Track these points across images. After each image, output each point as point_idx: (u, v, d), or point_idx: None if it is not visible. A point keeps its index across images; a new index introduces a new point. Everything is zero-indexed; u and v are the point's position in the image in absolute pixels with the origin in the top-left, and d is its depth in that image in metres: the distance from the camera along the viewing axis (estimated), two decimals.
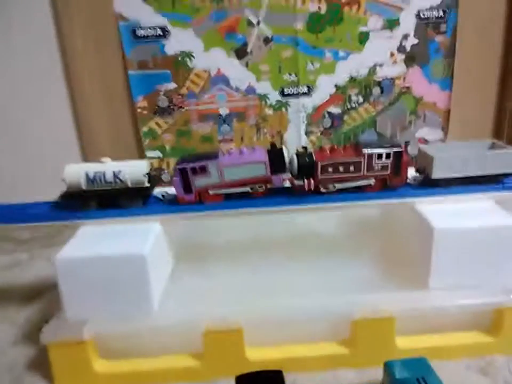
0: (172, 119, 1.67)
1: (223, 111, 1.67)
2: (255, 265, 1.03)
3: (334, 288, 0.92)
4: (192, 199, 0.96)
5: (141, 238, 0.88)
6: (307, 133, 1.73)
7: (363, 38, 1.61)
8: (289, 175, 0.96)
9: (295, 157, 0.93)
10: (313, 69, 1.64)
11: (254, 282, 0.97)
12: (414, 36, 1.61)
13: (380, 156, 0.92)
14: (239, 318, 0.84)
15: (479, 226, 0.85)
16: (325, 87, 1.67)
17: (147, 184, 0.96)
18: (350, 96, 1.69)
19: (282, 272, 1.00)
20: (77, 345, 0.84)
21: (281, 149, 0.95)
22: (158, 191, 1.04)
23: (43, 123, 1.65)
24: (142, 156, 1.70)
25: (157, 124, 1.67)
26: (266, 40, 1.60)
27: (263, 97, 1.66)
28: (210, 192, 0.94)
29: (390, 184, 0.96)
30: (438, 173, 0.95)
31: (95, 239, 0.91)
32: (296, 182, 0.94)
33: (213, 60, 1.60)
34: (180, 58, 1.59)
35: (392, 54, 1.64)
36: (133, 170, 0.95)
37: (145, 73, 1.60)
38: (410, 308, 0.84)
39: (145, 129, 1.67)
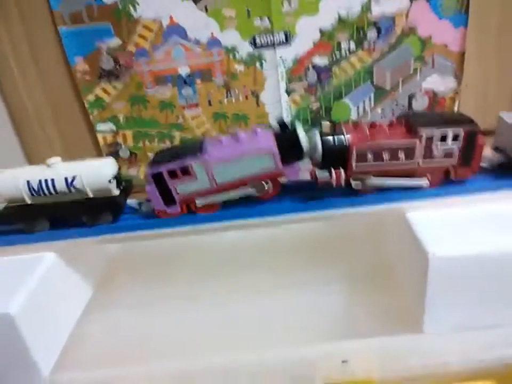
0: (121, 84, 1.40)
1: (183, 70, 1.39)
2: (210, 297, 0.82)
3: (300, 332, 0.71)
4: (177, 212, 0.74)
5: (15, 285, 0.67)
6: (288, 92, 1.45)
7: None
8: (309, 164, 0.72)
9: (318, 138, 0.68)
10: (291, 10, 1.32)
11: (197, 324, 0.77)
12: None
13: (444, 137, 0.67)
14: None
15: (490, 252, 0.62)
16: (306, 32, 1.36)
17: (116, 192, 0.74)
18: (339, 43, 1.38)
19: (244, 304, 0.79)
20: None
21: (294, 129, 0.70)
22: (134, 200, 0.82)
23: None
24: (91, 130, 1.45)
25: (104, 90, 1.40)
26: None
27: (230, 50, 1.37)
28: (199, 202, 0.72)
29: (454, 177, 0.71)
30: None
31: None
32: (319, 175, 0.70)
33: (162, 5, 1.30)
34: (120, 7, 1.29)
35: None
36: (93, 174, 0.72)
37: (80, 29, 1.31)
38: (392, 369, 0.64)
39: (90, 98, 1.41)
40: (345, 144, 0.68)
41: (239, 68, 1.40)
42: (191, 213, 0.77)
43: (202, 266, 0.92)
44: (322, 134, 0.69)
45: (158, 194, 0.73)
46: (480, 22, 1.34)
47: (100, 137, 1.46)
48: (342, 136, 0.68)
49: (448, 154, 0.69)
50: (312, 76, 1.44)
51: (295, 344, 0.67)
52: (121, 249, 0.98)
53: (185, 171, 0.70)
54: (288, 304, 0.79)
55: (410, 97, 1.49)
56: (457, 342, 0.65)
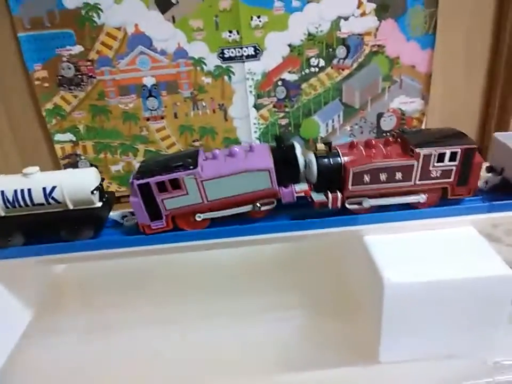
0: (82, 92, 1.35)
1: (148, 81, 1.35)
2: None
3: (251, 361, 0.67)
4: (163, 227, 0.69)
5: None
6: (257, 106, 1.43)
7: None
8: (304, 185, 0.70)
9: (313, 159, 0.66)
10: (260, 25, 1.32)
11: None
12: None
13: (441, 156, 0.66)
14: None
15: (446, 279, 0.60)
16: (276, 47, 1.35)
17: (98, 204, 0.70)
18: (308, 59, 1.38)
19: (199, 330, 0.74)
20: None
21: (292, 147, 0.67)
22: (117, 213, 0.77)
23: None
24: (48, 141, 1.39)
25: (63, 98, 1.35)
26: None
27: (197, 62, 1.35)
28: (200, 217, 0.68)
29: (451, 196, 0.70)
30: None
31: None
32: (315, 196, 0.67)
33: (128, 14, 1.27)
34: (83, 13, 1.25)
35: (360, 3, 1.32)
36: (74, 184, 0.67)
37: (40, 35, 1.26)
38: None
39: (48, 106, 1.35)
40: (341, 166, 0.66)
41: (207, 80, 1.37)
42: (176, 229, 0.72)
43: (167, 288, 0.88)
44: (317, 156, 0.67)
45: (143, 207, 0.68)
46: (447, 44, 1.37)
47: (57, 148, 1.40)
48: (338, 157, 0.67)
49: (445, 174, 0.68)
50: (281, 91, 1.43)
51: (245, 375, 0.63)
52: (78, 269, 0.91)
53: (176, 184, 0.66)
54: (243, 331, 0.75)
55: (379, 116, 1.50)
56: (413, 372, 0.62)
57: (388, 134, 1.52)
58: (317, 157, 0.67)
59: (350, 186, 0.66)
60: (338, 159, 0.67)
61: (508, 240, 1.11)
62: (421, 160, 0.66)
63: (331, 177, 0.67)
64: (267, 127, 1.47)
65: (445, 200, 0.71)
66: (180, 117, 1.42)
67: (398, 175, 0.67)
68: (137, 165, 1.45)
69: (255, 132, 1.47)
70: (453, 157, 0.67)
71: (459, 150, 0.66)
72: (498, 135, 0.76)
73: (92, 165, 1.43)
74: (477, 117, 1.50)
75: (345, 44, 1.37)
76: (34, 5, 1.23)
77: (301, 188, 0.69)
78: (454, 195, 0.71)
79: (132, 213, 0.76)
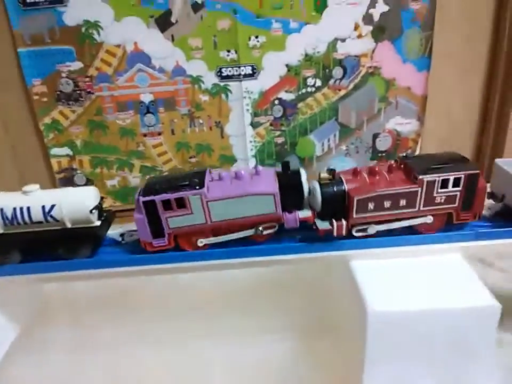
0: (80, 108, 1.36)
1: (146, 98, 1.37)
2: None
3: None
4: (165, 245, 0.70)
5: None
6: (253, 124, 1.45)
7: (320, 4, 1.31)
8: (308, 211, 0.69)
9: (317, 187, 0.66)
10: (258, 45, 1.34)
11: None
12: (384, 2, 1.31)
13: (445, 182, 0.66)
14: None
15: (431, 308, 0.60)
16: (273, 67, 1.38)
17: (96, 223, 0.70)
18: (305, 79, 1.40)
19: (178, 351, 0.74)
20: None
21: (297, 173, 0.68)
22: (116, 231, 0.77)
23: None
24: (45, 155, 1.40)
25: (61, 113, 1.37)
26: (196, 6, 1.28)
27: (195, 80, 1.36)
28: (202, 242, 0.70)
29: (456, 221, 0.71)
30: None
31: None
32: (320, 224, 0.67)
33: (127, 32, 1.29)
34: (84, 31, 1.27)
35: (356, 26, 1.34)
36: (73, 203, 0.68)
37: (40, 50, 1.28)
38: None
39: (46, 120, 1.37)
40: (345, 193, 0.67)
41: (204, 98, 1.39)
42: (177, 248, 0.72)
43: (156, 308, 0.87)
44: (321, 184, 0.67)
45: (147, 224, 0.68)
46: (442, 66, 1.39)
47: (54, 162, 1.41)
48: (342, 185, 0.67)
49: (449, 199, 0.68)
50: (277, 110, 1.44)
51: None
52: (68, 286, 0.91)
53: (181, 203, 0.67)
54: (231, 354, 0.74)
55: (375, 137, 1.51)
56: None
57: (384, 154, 1.53)
58: (321, 185, 0.67)
59: (354, 214, 0.67)
60: (342, 187, 0.67)
61: (499, 264, 1.12)
62: (424, 186, 0.66)
63: (335, 205, 0.67)
64: (263, 145, 1.49)
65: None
66: (177, 133, 1.43)
67: (402, 202, 0.67)
68: (132, 180, 1.48)
69: (251, 149, 1.49)
70: (456, 182, 0.67)
71: (462, 176, 0.67)
72: (499, 161, 0.77)
73: (87, 179, 1.44)
74: (473, 139, 1.52)
75: (341, 64, 1.39)
76: (35, 21, 1.25)
77: (304, 214, 0.69)
78: (459, 220, 0.71)
79: (130, 231, 0.76)
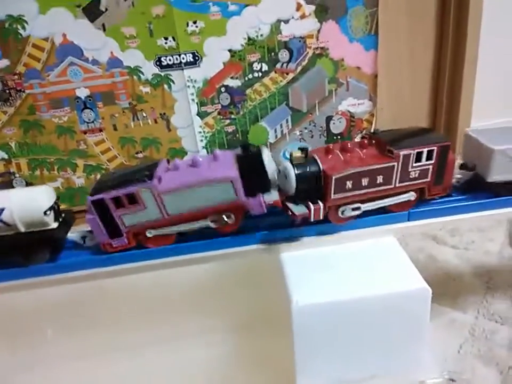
0: (11, 108, 1.30)
1: (81, 93, 1.32)
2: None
3: None
4: (125, 244, 0.67)
5: None
6: (200, 114, 1.42)
7: None
8: (275, 194, 0.65)
9: (290, 168, 0.62)
10: (197, 30, 1.30)
11: None
12: None
13: (419, 156, 0.65)
14: None
15: (362, 296, 0.59)
16: (215, 53, 1.34)
17: (53, 226, 0.66)
18: (250, 64, 1.37)
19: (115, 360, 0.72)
20: None
21: (258, 153, 0.63)
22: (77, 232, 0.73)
23: None
24: None
25: None
26: None
27: (133, 71, 1.32)
28: (150, 233, 0.65)
29: (428, 196, 0.71)
30: (499, 173, 0.71)
31: None
32: (296, 209, 0.62)
33: (54, 24, 1.23)
34: (7, 26, 1.21)
35: (299, 6, 1.32)
36: (25, 205, 0.64)
37: None
38: None
39: None
40: (320, 173, 0.63)
41: (145, 89, 1.35)
42: (140, 246, 0.69)
43: (91, 316, 0.85)
44: (294, 164, 0.63)
45: (100, 225, 0.65)
46: (390, 43, 1.38)
47: None
48: (317, 165, 0.63)
49: (423, 173, 0.68)
50: (225, 98, 1.41)
51: None
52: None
53: (132, 199, 0.64)
54: (168, 357, 0.73)
55: (328, 119, 1.50)
56: None
57: (339, 136, 1.53)
58: (294, 166, 0.63)
59: (332, 195, 0.64)
60: (318, 166, 0.63)
61: (452, 241, 1.13)
62: (400, 161, 0.65)
63: (311, 186, 0.64)
64: (213, 135, 1.46)
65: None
66: (119, 128, 1.39)
67: (379, 179, 0.66)
68: (77, 181, 1.43)
69: (201, 140, 1.46)
70: (429, 155, 0.66)
71: (435, 148, 0.66)
72: (470, 131, 0.77)
73: (27, 183, 1.39)
74: (425, 114, 1.52)
75: (287, 47, 1.37)
76: None
77: (270, 198, 0.65)
78: (431, 195, 0.71)
79: (91, 232, 0.73)
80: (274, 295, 0.71)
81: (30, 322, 0.86)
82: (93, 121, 1.36)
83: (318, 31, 1.35)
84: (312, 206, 0.63)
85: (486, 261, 1.03)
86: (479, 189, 0.76)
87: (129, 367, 0.77)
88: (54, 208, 0.67)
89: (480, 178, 0.75)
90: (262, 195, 0.64)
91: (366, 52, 1.40)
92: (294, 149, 1.53)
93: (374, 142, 0.69)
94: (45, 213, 0.65)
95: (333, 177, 0.62)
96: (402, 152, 0.64)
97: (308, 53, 1.39)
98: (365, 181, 0.64)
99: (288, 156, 0.70)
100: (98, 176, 1.43)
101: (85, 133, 1.37)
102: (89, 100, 1.33)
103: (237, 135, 1.48)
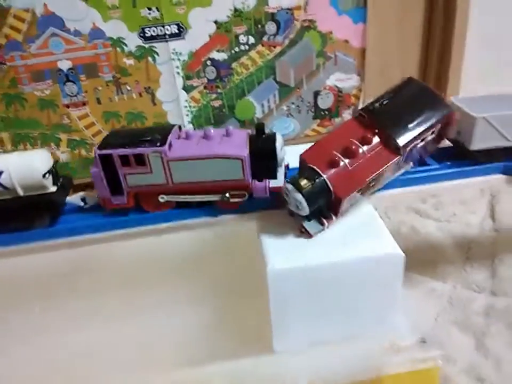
0: None
1: (63, 65, 1.31)
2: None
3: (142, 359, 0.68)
4: (124, 203, 0.68)
5: None
6: (186, 88, 1.41)
7: None
8: (279, 180, 0.66)
9: (301, 199, 0.60)
10: (182, 0, 1.29)
11: None
12: None
13: (424, 138, 0.65)
14: None
15: (335, 261, 0.61)
16: (201, 25, 1.33)
17: (52, 189, 0.67)
18: (236, 36, 1.37)
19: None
20: None
21: (272, 138, 0.64)
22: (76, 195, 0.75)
23: None
24: None
25: None
26: None
27: (116, 42, 1.31)
28: (163, 198, 0.66)
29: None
30: (480, 140, 0.73)
31: None
32: (311, 229, 0.64)
33: None
34: None
35: None
36: (24, 168, 0.64)
37: None
38: None
39: None
40: (332, 196, 0.62)
41: (129, 62, 1.34)
42: (139, 208, 0.70)
43: (66, 285, 0.87)
44: (303, 194, 0.61)
45: (104, 180, 0.66)
46: (379, 17, 1.38)
47: None
48: (327, 189, 0.62)
49: (424, 150, 0.69)
50: (211, 71, 1.41)
51: (135, 373, 0.64)
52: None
53: (140, 160, 0.64)
54: (141, 327, 0.75)
55: (316, 94, 1.50)
56: (310, 359, 0.64)
57: (327, 112, 1.53)
58: (304, 195, 0.60)
59: (343, 208, 0.64)
60: (329, 190, 0.61)
61: (435, 214, 1.15)
62: (407, 152, 0.64)
63: (321, 206, 0.64)
64: (199, 110, 1.46)
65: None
66: (103, 102, 1.38)
67: (386, 174, 0.66)
68: (61, 156, 1.43)
69: (187, 115, 1.46)
70: (433, 131, 0.66)
71: (439, 124, 0.66)
72: (454, 99, 0.78)
73: None
74: None
75: (274, 19, 1.36)
76: None
77: (275, 183, 0.66)
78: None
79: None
80: (253, 263, 0.73)
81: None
82: (75, 95, 1.36)
83: (306, 2, 1.35)
84: (326, 222, 0.64)
85: (467, 232, 1.05)
86: (461, 157, 0.77)
87: (109, 335, 0.78)
88: (52, 172, 0.67)
89: (462, 146, 0.76)
90: (268, 181, 0.65)
91: (354, 24, 1.39)
92: (282, 124, 1.53)
93: (377, 130, 0.65)
94: (43, 175, 0.65)
95: (345, 199, 0.61)
96: (409, 147, 0.63)
97: (295, 25, 1.38)
98: (372, 183, 0.64)
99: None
100: (83, 152, 1.44)
101: (67, 106, 1.37)
102: (72, 72, 1.32)
103: (224, 110, 1.48)
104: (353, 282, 0.62)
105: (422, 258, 0.98)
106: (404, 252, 0.60)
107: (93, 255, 0.86)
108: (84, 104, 1.37)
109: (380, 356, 0.64)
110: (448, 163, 0.78)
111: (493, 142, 0.75)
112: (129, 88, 1.38)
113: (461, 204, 1.15)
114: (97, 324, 0.80)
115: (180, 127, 0.71)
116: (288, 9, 1.35)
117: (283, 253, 0.62)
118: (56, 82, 1.32)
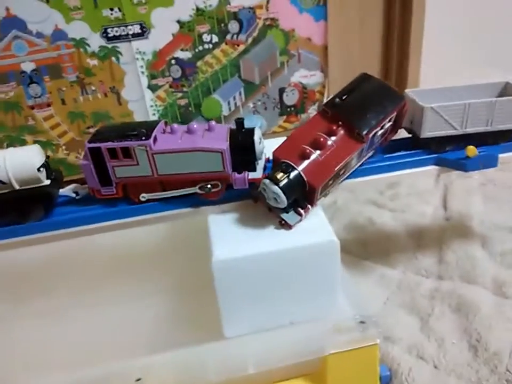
0: None
1: (27, 66, 1.34)
2: None
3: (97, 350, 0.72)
4: (113, 194, 0.72)
5: None
6: (151, 87, 1.45)
7: None
8: (258, 173, 0.71)
9: (279, 191, 0.64)
10: (143, 0, 1.32)
11: None
12: None
13: (383, 126, 0.72)
14: None
15: (275, 250, 0.66)
16: (164, 24, 1.37)
17: (46, 182, 0.70)
18: (200, 35, 1.41)
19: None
20: None
21: (251, 132, 0.69)
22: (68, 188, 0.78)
23: None
24: None
25: None
26: None
27: (79, 43, 1.34)
28: (144, 198, 0.71)
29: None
30: (429, 129, 0.79)
31: None
32: (290, 220, 0.68)
33: None
34: None
35: None
36: (19, 163, 0.67)
37: None
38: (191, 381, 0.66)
39: None
40: (306, 185, 0.67)
41: (93, 62, 1.37)
42: (127, 198, 0.74)
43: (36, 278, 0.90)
44: (280, 186, 0.65)
45: (93, 171, 0.70)
46: (339, 15, 1.43)
47: None
48: (302, 180, 0.66)
49: (383, 134, 0.74)
50: (175, 70, 1.45)
51: (86, 365, 0.67)
52: None
53: (127, 153, 0.69)
54: (98, 320, 0.79)
55: (281, 91, 1.55)
56: (258, 343, 0.68)
57: (292, 108, 1.58)
58: (281, 188, 0.64)
59: (318, 197, 0.69)
60: (303, 181, 0.66)
61: (391, 205, 1.21)
62: (369, 140, 0.70)
63: (297, 197, 0.68)
64: (166, 109, 1.50)
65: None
66: (68, 103, 1.41)
67: (353, 162, 0.71)
68: None
69: (154, 114, 1.49)
70: (390, 119, 0.72)
71: (395, 112, 0.72)
72: (409, 92, 0.84)
73: None
74: None
75: (237, 18, 1.41)
76: None
77: (254, 175, 0.70)
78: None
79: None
80: (205, 255, 0.77)
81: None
82: (40, 96, 1.38)
83: (268, 1, 1.39)
84: (303, 212, 0.69)
85: (420, 222, 1.11)
86: (414, 147, 0.83)
87: (70, 329, 0.81)
88: (45, 165, 0.70)
89: (415, 135, 0.82)
90: (247, 173, 0.70)
91: (315, 22, 1.45)
92: (249, 122, 1.58)
93: (342, 122, 0.70)
94: (38, 169, 0.69)
95: (319, 187, 0.66)
96: (371, 134, 0.69)
97: (258, 24, 1.43)
98: (342, 171, 0.70)
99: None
100: (49, 153, 1.46)
101: (32, 108, 1.39)
102: (35, 73, 1.35)
103: (190, 108, 1.52)
104: (294, 270, 0.66)
105: (375, 247, 1.03)
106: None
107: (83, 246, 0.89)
108: (49, 105, 1.40)
109: (323, 338, 0.69)
110: (402, 153, 0.83)
111: (441, 131, 0.81)
112: (94, 88, 1.41)
113: (416, 195, 1.21)
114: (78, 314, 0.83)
115: (165, 122, 0.75)
116: (250, 8, 1.40)
117: (228, 244, 0.66)
118: (20, 84, 1.35)
